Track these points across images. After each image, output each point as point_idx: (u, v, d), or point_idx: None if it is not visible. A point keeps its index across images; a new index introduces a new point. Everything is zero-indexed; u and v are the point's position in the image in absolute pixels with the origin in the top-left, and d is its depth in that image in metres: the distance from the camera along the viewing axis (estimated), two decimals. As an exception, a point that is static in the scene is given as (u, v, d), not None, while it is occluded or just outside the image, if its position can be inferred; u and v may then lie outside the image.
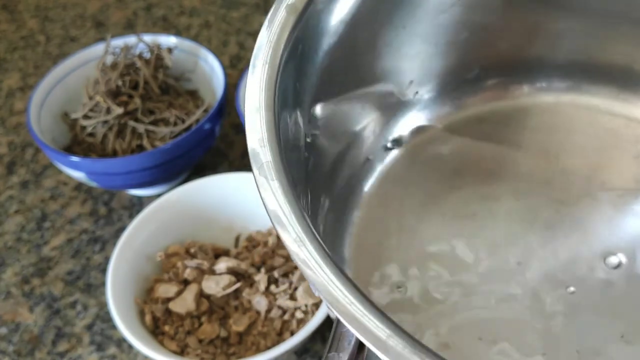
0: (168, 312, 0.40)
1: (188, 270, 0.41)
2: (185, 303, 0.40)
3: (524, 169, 0.38)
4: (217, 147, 0.55)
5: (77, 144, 0.50)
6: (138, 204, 0.51)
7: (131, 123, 0.48)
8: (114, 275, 0.40)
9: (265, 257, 0.43)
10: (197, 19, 0.70)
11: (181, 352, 0.39)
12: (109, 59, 0.51)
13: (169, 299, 0.41)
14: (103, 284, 0.46)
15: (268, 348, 0.38)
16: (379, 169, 0.38)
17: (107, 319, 0.44)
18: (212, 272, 0.41)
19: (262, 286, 0.41)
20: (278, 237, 0.44)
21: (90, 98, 0.49)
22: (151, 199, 0.50)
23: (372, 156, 0.38)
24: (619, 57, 0.38)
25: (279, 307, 0.40)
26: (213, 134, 0.49)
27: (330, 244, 0.34)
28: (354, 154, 0.37)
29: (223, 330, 0.40)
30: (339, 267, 0.21)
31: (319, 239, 0.21)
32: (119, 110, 0.47)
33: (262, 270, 0.42)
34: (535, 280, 0.33)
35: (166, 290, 0.41)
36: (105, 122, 0.48)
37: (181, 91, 0.52)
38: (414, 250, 0.35)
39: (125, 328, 0.37)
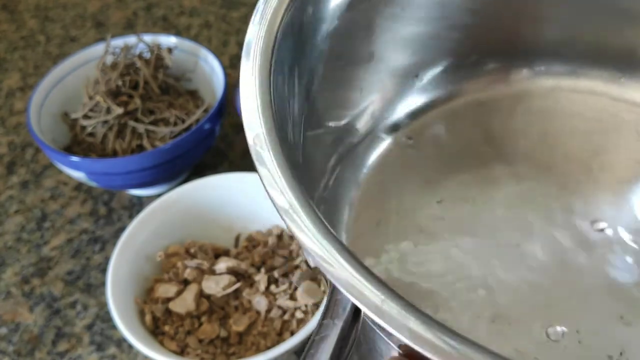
0: (168, 312, 0.40)
1: (188, 270, 0.41)
2: (185, 303, 0.40)
3: (523, 153, 0.38)
4: (217, 147, 0.55)
5: (77, 144, 0.50)
6: (138, 204, 0.51)
7: (131, 123, 0.48)
8: (114, 275, 0.40)
9: (265, 257, 0.43)
10: (197, 19, 0.70)
11: (181, 352, 0.39)
12: (109, 59, 0.51)
13: (169, 299, 0.41)
14: (103, 284, 0.46)
15: (268, 348, 0.38)
16: (378, 152, 0.38)
17: (107, 319, 0.44)
18: (212, 272, 0.41)
19: (262, 286, 0.41)
20: (278, 237, 0.44)
21: (90, 98, 0.49)
22: (151, 199, 0.50)
23: (371, 140, 0.38)
24: (619, 40, 0.38)
25: (279, 307, 0.40)
26: (213, 134, 0.49)
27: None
28: (352, 138, 0.37)
29: (223, 330, 0.40)
30: (333, 233, 0.20)
31: (313, 205, 0.21)
32: (119, 110, 0.47)
33: (262, 270, 0.42)
34: (535, 262, 0.33)
35: (166, 290, 0.41)
36: (105, 122, 0.48)
37: (181, 91, 0.52)
38: (411, 233, 0.35)
39: (125, 328, 0.37)
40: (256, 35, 0.26)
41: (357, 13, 0.33)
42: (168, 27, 0.69)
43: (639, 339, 0.30)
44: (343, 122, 0.36)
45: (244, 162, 0.54)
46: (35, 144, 0.57)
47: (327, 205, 0.34)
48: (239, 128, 0.56)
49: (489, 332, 0.31)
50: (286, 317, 0.40)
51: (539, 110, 0.40)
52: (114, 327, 0.43)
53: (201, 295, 0.41)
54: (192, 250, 0.43)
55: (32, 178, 0.55)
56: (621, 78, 0.39)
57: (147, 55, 0.51)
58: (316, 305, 0.40)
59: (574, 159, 0.37)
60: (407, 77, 0.38)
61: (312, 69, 0.31)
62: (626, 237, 0.34)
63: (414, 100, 0.39)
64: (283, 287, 0.41)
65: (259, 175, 0.22)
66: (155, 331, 0.40)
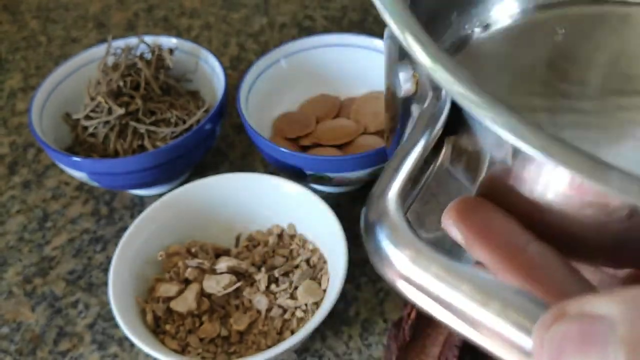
0: (169, 311, 0.41)
1: (189, 270, 0.41)
2: (186, 302, 0.40)
3: (596, 76, 0.36)
4: (217, 147, 0.56)
5: (79, 144, 0.50)
6: (139, 204, 0.52)
7: (132, 123, 0.48)
8: (116, 275, 0.40)
9: (265, 256, 0.43)
10: (197, 20, 0.70)
11: (182, 351, 0.39)
12: (111, 60, 0.51)
13: (170, 298, 0.41)
14: (104, 283, 0.46)
15: (268, 347, 0.39)
16: (471, 43, 0.37)
17: (109, 318, 0.44)
18: (213, 271, 0.42)
19: (262, 285, 0.41)
20: (278, 237, 0.44)
21: (92, 99, 0.49)
22: (152, 198, 0.50)
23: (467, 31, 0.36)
24: None
25: (279, 306, 0.40)
26: (214, 134, 0.49)
27: None
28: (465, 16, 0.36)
29: (224, 329, 0.40)
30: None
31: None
32: (121, 111, 0.47)
33: (263, 269, 0.42)
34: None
35: (167, 289, 0.41)
36: (107, 122, 0.48)
37: (182, 92, 0.52)
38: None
39: (127, 327, 0.37)
40: None
41: None
42: (169, 28, 0.69)
43: None
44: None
45: (244, 162, 0.55)
46: (37, 144, 0.57)
47: None
48: (239, 128, 0.56)
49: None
50: (286, 316, 0.40)
51: (627, 32, 0.38)
52: (115, 326, 0.44)
53: (202, 294, 0.41)
54: (193, 250, 0.43)
55: (34, 178, 0.55)
56: None
57: (148, 56, 0.51)
58: (316, 304, 0.40)
59: None
60: None
61: None
62: None
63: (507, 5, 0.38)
64: (283, 286, 0.41)
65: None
66: (157, 330, 0.40)
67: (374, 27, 0.67)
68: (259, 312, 0.40)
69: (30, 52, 0.68)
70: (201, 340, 0.40)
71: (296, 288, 0.41)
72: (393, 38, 0.25)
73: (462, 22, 0.36)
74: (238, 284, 0.41)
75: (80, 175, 0.47)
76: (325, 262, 0.42)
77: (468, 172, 0.21)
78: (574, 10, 0.38)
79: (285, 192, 0.44)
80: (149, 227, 0.43)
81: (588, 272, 0.23)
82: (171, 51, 0.52)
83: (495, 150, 0.19)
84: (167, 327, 0.40)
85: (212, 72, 0.52)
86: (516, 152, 0.19)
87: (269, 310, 0.40)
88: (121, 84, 0.48)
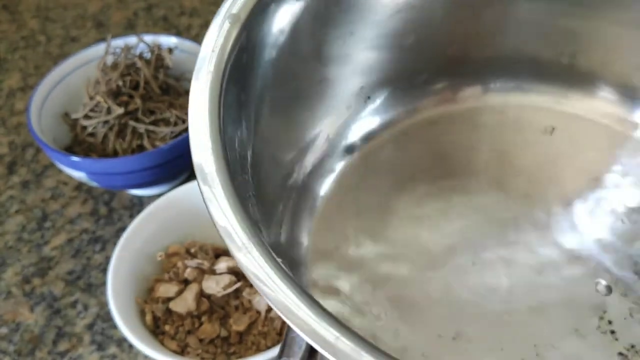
0: (168, 312, 0.40)
1: (188, 270, 0.41)
2: (185, 303, 0.40)
3: (475, 170, 0.39)
4: (217, 147, 0.55)
5: (78, 144, 0.50)
6: (138, 204, 0.52)
7: (132, 123, 0.48)
8: (115, 275, 0.40)
9: (265, 256, 0.43)
10: (197, 19, 0.70)
11: (182, 352, 0.39)
12: (110, 59, 0.51)
13: (169, 299, 0.41)
14: (103, 283, 0.46)
15: (268, 348, 0.38)
16: (334, 176, 0.38)
17: (108, 318, 0.44)
18: (213, 271, 0.42)
19: (262, 286, 0.41)
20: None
21: (91, 98, 0.49)
22: (152, 198, 0.50)
23: (326, 163, 0.38)
24: (565, 56, 0.39)
25: (279, 307, 0.40)
26: (213, 134, 0.49)
27: (286, 252, 0.34)
28: (307, 162, 0.37)
29: (223, 329, 0.40)
30: (287, 272, 0.20)
31: (266, 244, 0.21)
32: (120, 110, 0.47)
33: (263, 270, 0.42)
34: (489, 279, 0.34)
35: (167, 290, 0.41)
36: (106, 122, 0.48)
37: (181, 91, 0.52)
38: (371, 253, 0.35)
39: (126, 328, 0.37)
40: (206, 62, 0.26)
41: (303, 40, 0.33)
42: (168, 27, 0.69)
43: (593, 351, 0.31)
44: (296, 147, 0.37)
45: (244, 162, 0.54)
46: (35, 144, 0.57)
47: (285, 231, 0.35)
48: (239, 128, 0.56)
49: (450, 350, 0.31)
50: (286, 316, 0.40)
51: (488, 125, 0.40)
52: (114, 326, 0.44)
53: (201, 295, 0.41)
54: (192, 250, 0.43)
55: (33, 178, 0.55)
56: (567, 92, 0.40)
57: (148, 55, 0.51)
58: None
59: (523, 173, 0.38)
60: (359, 100, 0.39)
61: (260, 97, 0.31)
62: (573, 248, 0.34)
63: (366, 122, 0.40)
64: (283, 286, 0.41)
65: (209, 211, 0.22)
66: (156, 331, 0.40)
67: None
68: (258, 312, 0.40)
69: (29, 52, 0.68)
70: (200, 340, 0.40)
71: (296, 288, 0.41)
72: None
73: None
74: (238, 285, 0.40)
75: (79, 175, 0.47)
76: (325, 262, 0.42)
77: None
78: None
79: (285, 192, 0.44)
80: (148, 227, 0.43)
81: None
82: (171, 50, 0.52)
83: None
84: (167, 327, 0.40)
85: (211, 72, 0.52)
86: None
87: (268, 310, 0.40)
88: (120, 83, 0.48)
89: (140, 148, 0.48)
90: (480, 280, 0.34)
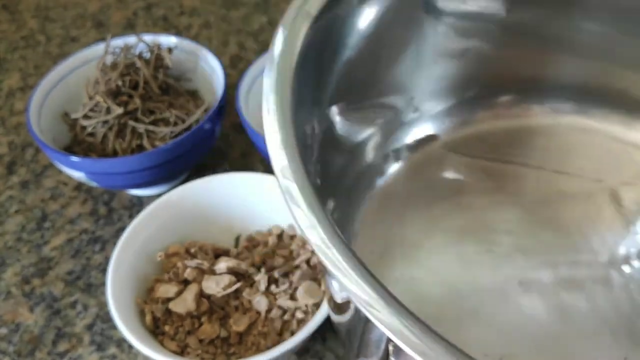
0: (168, 312, 0.40)
1: (188, 270, 0.41)
2: (185, 303, 0.40)
3: (523, 189, 0.38)
4: (217, 147, 0.55)
5: (77, 143, 0.50)
6: (138, 204, 0.51)
7: (131, 123, 0.48)
8: (114, 275, 0.40)
9: (265, 257, 0.43)
10: (197, 19, 0.70)
11: (181, 352, 0.39)
12: (109, 59, 0.51)
13: (169, 299, 0.41)
14: (103, 284, 0.46)
15: (268, 348, 0.38)
16: (380, 183, 0.38)
17: (107, 319, 0.44)
18: (212, 272, 0.41)
19: (262, 286, 0.41)
20: (278, 237, 0.44)
21: (91, 98, 0.49)
22: (151, 199, 0.50)
23: (374, 169, 0.38)
24: (626, 84, 0.39)
25: (279, 307, 0.40)
26: (213, 134, 0.49)
27: None
28: (356, 166, 0.37)
29: (223, 330, 0.40)
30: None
31: (349, 246, 0.21)
32: (119, 110, 0.47)
33: (262, 270, 0.42)
34: (534, 299, 0.33)
35: (166, 290, 0.41)
36: (106, 122, 0.48)
37: (181, 91, 0.52)
38: (416, 264, 0.35)
39: (126, 328, 0.37)
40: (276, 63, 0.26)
41: (379, 46, 0.33)
42: (168, 27, 0.69)
43: None
44: (348, 149, 0.36)
45: (244, 162, 0.54)
46: (35, 144, 0.57)
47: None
48: (239, 128, 0.56)
49: None
50: (286, 317, 0.40)
51: (541, 146, 0.40)
52: (114, 327, 0.43)
53: (201, 295, 0.41)
54: (192, 250, 0.43)
55: (32, 178, 0.55)
56: (627, 120, 0.40)
57: (147, 55, 0.51)
58: (316, 305, 0.40)
59: (572, 197, 0.38)
60: (411, 109, 0.39)
61: (330, 93, 0.31)
62: (626, 272, 0.34)
63: (417, 131, 0.39)
64: (283, 287, 0.41)
65: (294, 216, 0.22)
66: (156, 331, 0.40)
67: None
68: (258, 313, 0.40)
69: (29, 52, 0.67)
70: (200, 341, 0.40)
71: (296, 289, 0.41)
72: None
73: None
74: (238, 285, 0.40)
75: (78, 175, 0.46)
76: (325, 262, 0.42)
77: None
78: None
79: (285, 192, 0.44)
80: (147, 228, 0.43)
81: None
82: (170, 50, 0.52)
83: None
84: (166, 328, 0.40)
85: (211, 71, 0.52)
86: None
87: (268, 311, 0.40)
88: (120, 83, 0.48)
89: (140, 148, 0.48)
90: (525, 298, 0.33)
